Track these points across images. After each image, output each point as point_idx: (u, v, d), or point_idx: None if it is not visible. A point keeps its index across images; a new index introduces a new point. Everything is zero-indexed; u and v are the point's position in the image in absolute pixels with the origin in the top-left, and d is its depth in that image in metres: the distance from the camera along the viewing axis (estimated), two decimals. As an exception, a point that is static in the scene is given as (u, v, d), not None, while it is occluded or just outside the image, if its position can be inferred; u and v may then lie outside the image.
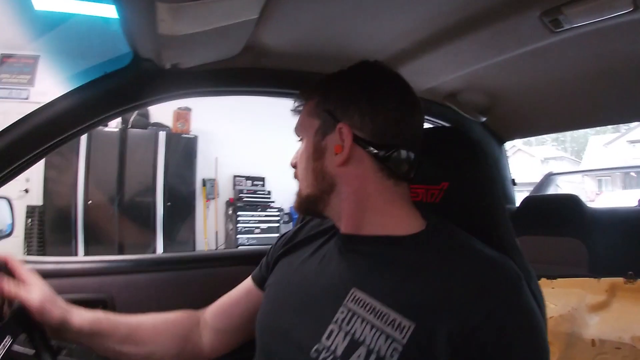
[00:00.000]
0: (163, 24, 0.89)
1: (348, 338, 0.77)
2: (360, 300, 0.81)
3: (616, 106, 1.89)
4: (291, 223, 7.34)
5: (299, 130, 1.01)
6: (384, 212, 0.90)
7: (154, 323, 1.12)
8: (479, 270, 0.77)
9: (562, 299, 1.78)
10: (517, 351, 0.71)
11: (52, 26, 4.49)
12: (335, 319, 0.81)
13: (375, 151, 0.88)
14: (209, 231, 7.08)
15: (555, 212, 2.16)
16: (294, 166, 1.02)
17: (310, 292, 0.92)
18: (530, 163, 25.94)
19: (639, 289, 1.74)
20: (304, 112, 1.00)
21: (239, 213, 7.10)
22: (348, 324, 0.79)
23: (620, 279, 1.77)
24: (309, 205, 0.98)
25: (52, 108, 1.16)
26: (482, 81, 1.71)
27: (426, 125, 0.98)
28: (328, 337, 0.80)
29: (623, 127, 25.63)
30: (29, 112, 1.14)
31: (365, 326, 0.77)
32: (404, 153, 0.89)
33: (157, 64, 1.19)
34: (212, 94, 1.49)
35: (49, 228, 5.62)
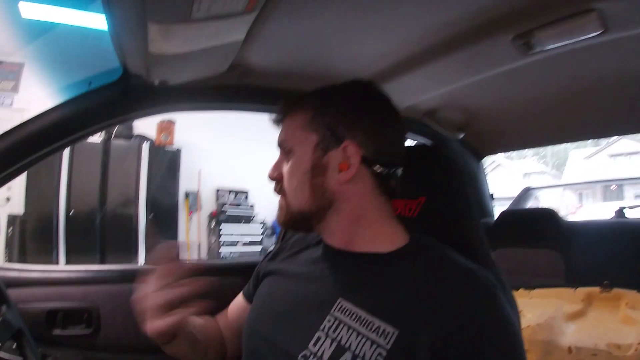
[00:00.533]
0: (153, 42, 0.92)
1: (334, 344, 0.80)
2: (346, 310, 0.84)
3: (589, 123, 1.94)
4: (274, 236, 7.34)
5: (290, 142, 0.97)
6: (376, 227, 0.94)
7: (204, 324, 1.15)
8: (457, 280, 0.80)
9: (539, 308, 1.81)
10: (493, 354, 0.74)
11: (41, 35, 4.46)
12: (322, 327, 0.84)
13: (380, 169, 0.91)
14: (191, 244, 7.04)
15: (532, 225, 2.20)
16: (275, 178, 1.00)
17: (296, 301, 0.94)
18: (511, 177, 26.15)
19: (614, 297, 1.78)
20: (295, 125, 0.97)
21: (221, 226, 7.07)
22: (334, 331, 0.82)
23: (596, 289, 1.82)
24: (300, 221, 0.96)
25: (41, 120, 1.18)
26: (460, 99, 1.75)
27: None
28: (315, 344, 0.82)
29: (603, 140, 25.97)
30: (11, 116, 1.15)
31: (351, 333, 0.80)
32: (400, 171, 0.94)
33: (145, 80, 1.21)
34: (198, 110, 1.51)
35: (30, 238, 5.52)
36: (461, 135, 2.07)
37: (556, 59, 1.26)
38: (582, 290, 1.86)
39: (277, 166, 1.00)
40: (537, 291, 1.97)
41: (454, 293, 0.78)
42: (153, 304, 0.88)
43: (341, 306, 0.85)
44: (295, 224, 0.98)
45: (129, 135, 6.37)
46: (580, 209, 17.41)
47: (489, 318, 0.76)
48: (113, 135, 6.17)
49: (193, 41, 0.98)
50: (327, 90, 0.98)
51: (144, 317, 0.90)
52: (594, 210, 15.17)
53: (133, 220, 6.21)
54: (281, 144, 0.99)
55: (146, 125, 6.50)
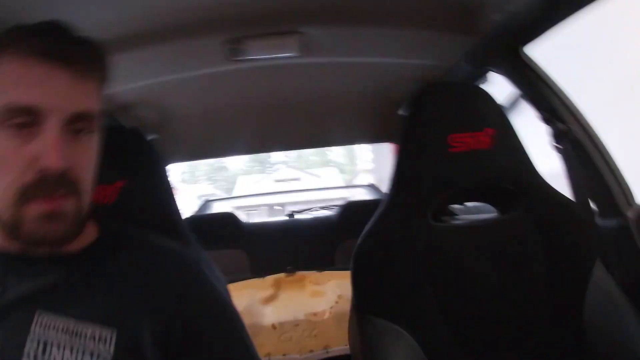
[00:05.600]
0: None
1: None
2: (50, 324, 0.66)
3: (281, 136, 2.23)
4: None
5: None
6: None
7: None
8: (162, 263, 0.78)
9: (236, 300, 1.97)
10: (212, 322, 0.76)
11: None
12: (26, 353, 0.64)
13: None
14: None
15: (218, 229, 2.44)
16: (66, 169, 0.66)
17: None
18: (188, 199, 27.04)
19: (299, 279, 2.13)
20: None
21: None
22: (43, 355, 0.64)
23: (283, 274, 2.12)
24: (83, 227, 0.74)
25: None
26: (159, 97, 1.71)
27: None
28: None
29: (268, 168, 29.38)
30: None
31: (64, 352, 0.65)
32: None
33: None
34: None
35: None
36: (152, 137, 2.00)
37: (259, 71, 1.37)
38: (270, 278, 2.12)
39: (67, 150, 0.66)
40: (230, 286, 2.12)
41: (163, 276, 0.75)
42: None
43: (42, 321, 0.67)
44: (80, 231, 0.73)
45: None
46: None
47: (200, 292, 0.78)
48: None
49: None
50: (101, 52, 0.72)
51: None
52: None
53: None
54: (85, 114, 0.68)
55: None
